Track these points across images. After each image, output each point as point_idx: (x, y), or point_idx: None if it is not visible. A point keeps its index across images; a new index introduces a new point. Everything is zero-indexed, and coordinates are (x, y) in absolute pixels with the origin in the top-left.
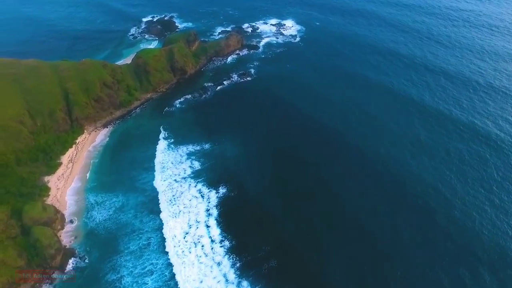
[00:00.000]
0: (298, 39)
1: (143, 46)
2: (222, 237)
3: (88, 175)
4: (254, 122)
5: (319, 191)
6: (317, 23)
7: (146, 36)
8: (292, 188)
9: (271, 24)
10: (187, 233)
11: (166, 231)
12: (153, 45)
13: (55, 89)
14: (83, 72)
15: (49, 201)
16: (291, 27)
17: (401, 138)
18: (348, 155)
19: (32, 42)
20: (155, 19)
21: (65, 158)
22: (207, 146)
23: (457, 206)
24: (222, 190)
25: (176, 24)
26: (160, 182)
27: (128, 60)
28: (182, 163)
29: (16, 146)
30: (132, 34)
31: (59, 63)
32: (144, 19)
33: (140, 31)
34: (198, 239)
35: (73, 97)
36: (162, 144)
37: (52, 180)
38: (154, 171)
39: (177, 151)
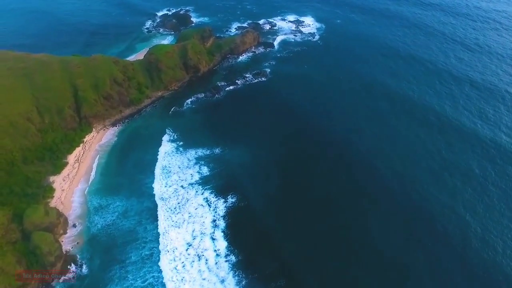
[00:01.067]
0: (317, 37)
1: (157, 40)
2: (228, 251)
3: (93, 176)
4: (268, 126)
5: (332, 208)
6: (338, 21)
7: (161, 30)
8: (304, 202)
9: (290, 21)
10: (190, 245)
11: (166, 243)
12: (168, 39)
13: (64, 85)
14: (93, 68)
15: (53, 203)
16: (310, 25)
17: (420, 152)
18: (361, 169)
19: (44, 35)
20: (170, 13)
21: (71, 158)
22: (217, 150)
23: (478, 231)
24: (231, 200)
25: (192, 19)
26: (164, 188)
27: (141, 54)
28: (190, 168)
29: (23, 144)
30: (147, 28)
31: (70, 58)
32: (160, 13)
33: (155, 25)
34: (202, 252)
35: (82, 94)
36: (170, 147)
37: (57, 181)
38: (160, 175)
39: (185, 154)
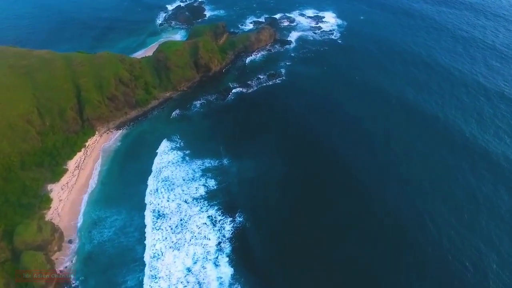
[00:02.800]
0: (337, 36)
1: (168, 35)
2: (233, 280)
3: (93, 185)
4: (281, 136)
5: (342, 236)
6: (361, 17)
7: (173, 23)
8: (316, 227)
9: (309, 16)
10: (190, 271)
11: (160, 268)
12: (179, 34)
13: (67, 85)
14: (98, 67)
15: (49, 214)
16: (330, 21)
17: (440, 176)
18: (372, 193)
19: (50, 28)
20: (183, 4)
21: (71, 164)
22: (225, 161)
23: (506, 277)
24: (238, 219)
25: (205, 12)
26: (166, 203)
27: (150, 50)
28: (195, 180)
29: (22, 148)
30: (159, 21)
31: (73, 55)
32: (173, 4)
33: (166, 18)
34: (203, 279)
35: (86, 95)
36: (175, 155)
37: (56, 190)
38: (162, 188)
39: (191, 165)
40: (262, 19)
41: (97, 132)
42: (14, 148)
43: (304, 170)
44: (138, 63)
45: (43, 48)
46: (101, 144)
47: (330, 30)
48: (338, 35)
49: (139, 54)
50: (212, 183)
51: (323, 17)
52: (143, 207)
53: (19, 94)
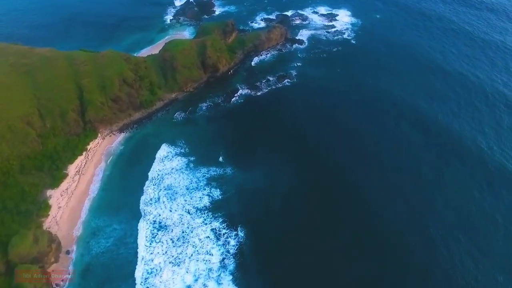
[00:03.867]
0: (351, 35)
1: (176, 31)
2: None
3: (94, 191)
4: (290, 144)
5: (349, 256)
6: (377, 16)
7: (181, 19)
8: (324, 244)
9: (322, 14)
10: None
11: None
12: (188, 31)
13: (69, 85)
14: (102, 66)
15: (47, 222)
16: (344, 20)
17: (452, 202)
18: (378, 211)
19: (54, 24)
20: None
21: (72, 168)
22: (231, 170)
23: None
24: (243, 233)
25: (214, 8)
26: (169, 213)
27: (157, 47)
28: (200, 189)
29: (22, 151)
30: (166, 16)
31: (76, 54)
32: None
33: (175, 13)
34: None
35: (88, 96)
36: (179, 162)
37: (55, 196)
38: (164, 197)
39: (195, 173)
40: (273, 16)
41: (99, 135)
42: (13, 151)
43: (312, 181)
44: (143, 62)
45: (46, 45)
46: (103, 148)
47: (344, 30)
48: (352, 35)
49: (146, 51)
50: (217, 193)
51: (337, 15)
52: (144, 216)
53: (19, 94)
